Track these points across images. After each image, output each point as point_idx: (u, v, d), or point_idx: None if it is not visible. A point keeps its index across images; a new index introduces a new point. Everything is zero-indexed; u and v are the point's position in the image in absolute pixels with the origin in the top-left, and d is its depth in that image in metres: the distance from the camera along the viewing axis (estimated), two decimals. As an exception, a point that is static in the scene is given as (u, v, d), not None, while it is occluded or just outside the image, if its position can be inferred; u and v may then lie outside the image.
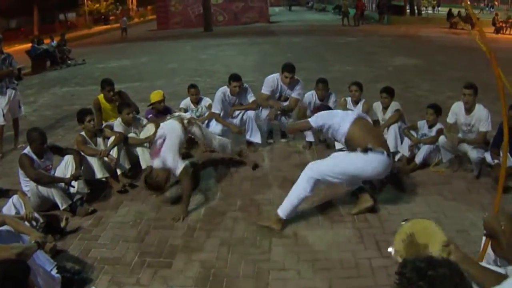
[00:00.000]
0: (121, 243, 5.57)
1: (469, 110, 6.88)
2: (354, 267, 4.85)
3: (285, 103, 8.42)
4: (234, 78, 8.28)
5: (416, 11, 47.66)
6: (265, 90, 8.39)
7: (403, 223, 3.48)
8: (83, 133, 7.14)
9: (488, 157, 6.65)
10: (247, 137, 8.49)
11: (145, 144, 7.49)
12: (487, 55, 3.89)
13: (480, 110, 6.81)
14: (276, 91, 8.39)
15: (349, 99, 8.28)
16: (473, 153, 6.85)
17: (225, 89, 8.38)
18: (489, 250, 3.02)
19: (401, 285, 2.03)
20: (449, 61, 18.29)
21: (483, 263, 3.23)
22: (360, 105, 8.13)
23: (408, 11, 47.68)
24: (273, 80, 8.36)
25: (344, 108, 8.14)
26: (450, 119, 7.15)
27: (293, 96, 8.38)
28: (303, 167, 6.16)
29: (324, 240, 5.41)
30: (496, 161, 6.45)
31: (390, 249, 3.39)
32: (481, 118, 6.75)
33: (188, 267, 4.98)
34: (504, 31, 31.52)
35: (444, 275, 1.95)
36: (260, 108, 8.47)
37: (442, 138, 7.07)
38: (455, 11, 36.63)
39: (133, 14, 67.85)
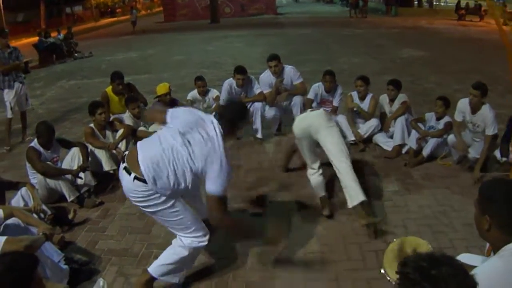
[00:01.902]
0: (128, 234, 5.61)
1: (474, 109, 6.75)
2: (361, 259, 4.86)
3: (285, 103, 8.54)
4: (238, 71, 8.31)
5: (427, 3, 47.24)
6: (265, 89, 8.46)
7: (389, 243, 3.52)
8: (92, 125, 7.16)
9: (497, 154, 6.61)
10: (254, 127, 8.50)
11: None
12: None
13: (485, 111, 6.62)
14: (272, 85, 8.40)
15: (355, 94, 8.26)
16: (472, 153, 6.83)
17: (231, 80, 8.40)
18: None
19: (403, 286, 2.01)
20: (457, 53, 18.17)
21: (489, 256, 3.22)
22: (367, 100, 8.12)
23: (416, 2, 47.38)
24: (265, 78, 8.45)
25: (350, 104, 8.13)
26: (457, 117, 7.05)
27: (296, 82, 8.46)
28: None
29: (330, 232, 5.42)
30: (504, 158, 6.43)
31: (382, 271, 3.41)
32: (486, 121, 6.58)
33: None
34: (512, 23, 31.34)
35: (448, 274, 1.93)
36: (266, 105, 8.47)
37: (451, 138, 7.05)
38: (463, 2, 36.34)
39: (140, 6, 67.70)
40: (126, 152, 4.45)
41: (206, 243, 4.31)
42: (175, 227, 4.28)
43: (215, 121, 4.18)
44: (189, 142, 4.01)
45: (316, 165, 5.90)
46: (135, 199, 4.17)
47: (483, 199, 2.60)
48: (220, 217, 4.08)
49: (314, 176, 5.87)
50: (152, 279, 4.34)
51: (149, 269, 4.33)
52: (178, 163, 3.99)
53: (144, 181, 3.97)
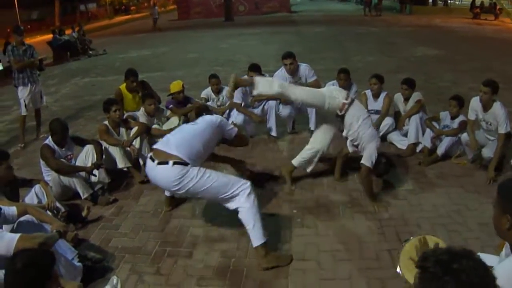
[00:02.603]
0: (141, 232, 5.61)
1: (485, 107, 6.68)
2: (375, 258, 4.83)
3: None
4: (253, 68, 8.27)
5: (442, 1, 46.95)
6: None
7: (404, 244, 3.49)
8: (106, 122, 7.18)
9: None
10: (268, 126, 8.46)
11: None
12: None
13: (497, 109, 6.55)
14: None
15: (369, 93, 8.20)
16: (486, 152, 6.75)
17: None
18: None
19: (425, 280, 1.99)
20: (472, 52, 18.06)
21: (502, 254, 3.20)
22: (381, 99, 8.06)
23: (431, 1, 47.14)
24: (280, 75, 8.33)
25: (365, 103, 8.09)
26: (470, 115, 6.98)
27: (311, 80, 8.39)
28: (324, 157, 6.24)
29: (344, 231, 5.39)
30: None
31: (398, 270, 3.39)
32: (498, 119, 6.52)
33: (208, 257, 5.00)
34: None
35: (469, 267, 1.92)
36: (280, 104, 8.43)
37: (465, 136, 6.98)
38: (478, 1, 36.11)
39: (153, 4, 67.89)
40: (150, 154, 4.93)
41: (249, 184, 4.79)
42: (221, 192, 4.71)
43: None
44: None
45: (321, 148, 6.36)
46: (175, 185, 4.64)
47: (503, 199, 2.59)
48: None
49: (310, 151, 6.40)
50: (265, 246, 4.72)
51: (254, 243, 4.71)
52: (200, 135, 5.00)
53: (182, 162, 4.59)
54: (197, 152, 4.83)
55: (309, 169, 6.58)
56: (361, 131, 5.80)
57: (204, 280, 4.62)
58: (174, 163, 4.56)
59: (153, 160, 4.75)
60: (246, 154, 7.84)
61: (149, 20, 40.99)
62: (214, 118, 5.49)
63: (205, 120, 5.35)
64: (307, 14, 44.01)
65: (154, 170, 4.75)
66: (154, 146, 5.02)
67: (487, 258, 2.80)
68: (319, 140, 6.35)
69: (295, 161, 6.51)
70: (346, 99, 5.78)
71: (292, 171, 6.59)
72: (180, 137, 4.96)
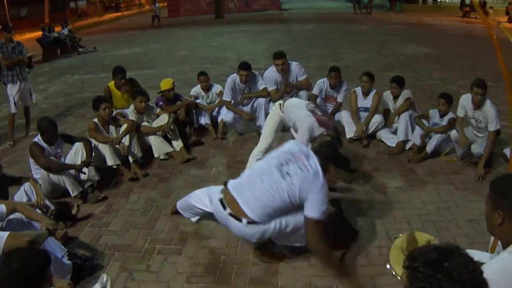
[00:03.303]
0: (131, 230, 5.60)
1: (476, 105, 6.74)
2: (365, 255, 4.84)
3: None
4: (243, 67, 8.23)
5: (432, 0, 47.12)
6: (270, 86, 8.38)
7: (395, 237, 3.51)
8: (96, 120, 7.16)
9: (507, 151, 6.55)
10: (258, 124, 8.47)
11: (158, 133, 7.53)
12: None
13: (487, 107, 6.62)
14: (277, 82, 8.35)
15: (359, 90, 8.22)
16: (475, 148, 6.80)
17: (235, 76, 8.36)
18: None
19: (415, 280, 1.98)
20: (462, 50, 18.15)
21: (495, 254, 3.22)
22: (370, 97, 8.08)
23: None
24: (270, 74, 8.35)
25: (354, 101, 8.11)
26: (460, 113, 7.03)
27: (301, 79, 8.39)
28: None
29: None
30: None
31: (388, 266, 3.42)
32: (488, 116, 6.58)
33: (198, 254, 5.00)
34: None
35: (460, 264, 1.92)
36: (270, 101, 8.43)
37: (454, 133, 7.02)
38: (468, -1, 36.30)
39: (145, 2, 67.65)
40: (221, 196, 4.49)
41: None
42: (299, 233, 4.39)
43: (313, 156, 4.30)
44: (288, 174, 4.18)
45: (265, 148, 6.55)
46: (252, 239, 4.43)
47: (496, 195, 2.61)
48: (316, 239, 4.16)
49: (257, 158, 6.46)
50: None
51: None
52: (280, 195, 4.15)
53: (257, 222, 4.19)
54: (273, 213, 4.23)
55: None
56: None
57: (194, 277, 4.62)
58: (248, 222, 4.20)
59: (224, 207, 4.36)
60: (236, 151, 7.86)
61: (140, 17, 40.93)
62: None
63: (296, 173, 4.20)
64: (297, 12, 44.04)
65: (225, 218, 4.37)
66: (228, 186, 4.47)
67: (476, 254, 2.83)
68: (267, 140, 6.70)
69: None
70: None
71: None
72: (257, 191, 4.24)
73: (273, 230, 4.27)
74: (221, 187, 4.61)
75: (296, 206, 4.24)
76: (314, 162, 4.20)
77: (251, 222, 4.18)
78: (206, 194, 5.00)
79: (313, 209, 4.10)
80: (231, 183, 4.50)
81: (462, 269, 1.91)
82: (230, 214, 4.29)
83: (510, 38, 4.04)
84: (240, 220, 4.22)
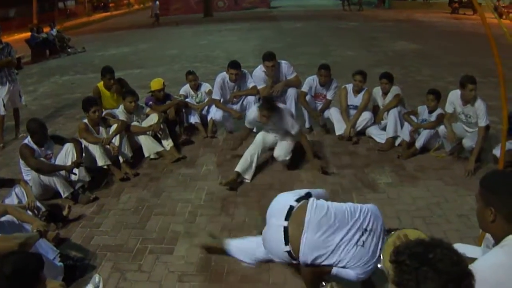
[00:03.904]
0: (123, 230, 5.62)
1: (467, 101, 6.77)
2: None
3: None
4: (232, 65, 8.25)
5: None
6: (259, 84, 8.42)
7: (387, 236, 3.53)
8: (86, 120, 7.15)
9: (497, 152, 6.55)
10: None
11: (147, 132, 7.54)
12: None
13: (478, 102, 6.65)
14: (266, 81, 8.38)
15: (349, 88, 8.24)
16: (467, 142, 6.85)
17: (224, 75, 8.37)
18: (488, 235, 3.04)
19: (402, 273, 2.01)
20: (450, 46, 18.19)
21: (482, 246, 3.26)
22: (361, 95, 8.10)
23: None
24: (259, 73, 8.41)
25: (344, 97, 8.13)
26: (448, 108, 7.07)
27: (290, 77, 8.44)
28: (303, 152, 6.28)
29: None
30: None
31: (380, 266, 3.44)
32: (479, 112, 6.61)
33: (189, 253, 5.02)
34: (506, 16, 31.24)
35: (444, 255, 1.95)
36: (259, 99, 8.44)
37: (443, 129, 7.05)
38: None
39: (133, 1, 67.36)
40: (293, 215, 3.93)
41: None
42: None
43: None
44: (363, 243, 3.69)
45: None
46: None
47: (487, 192, 2.63)
48: (308, 276, 3.96)
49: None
50: None
51: None
52: (334, 257, 3.74)
53: (293, 257, 3.88)
54: None
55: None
56: None
57: (186, 276, 4.65)
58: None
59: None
60: (226, 150, 7.87)
61: (129, 17, 40.72)
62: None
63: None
64: (287, 10, 44.01)
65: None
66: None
67: (466, 249, 2.86)
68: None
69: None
70: None
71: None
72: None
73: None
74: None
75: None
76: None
77: (290, 253, 3.86)
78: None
79: (339, 270, 3.74)
80: (316, 217, 3.84)
81: (447, 261, 1.94)
82: (284, 233, 3.87)
83: (507, 34, 4.08)
84: (286, 243, 3.85)
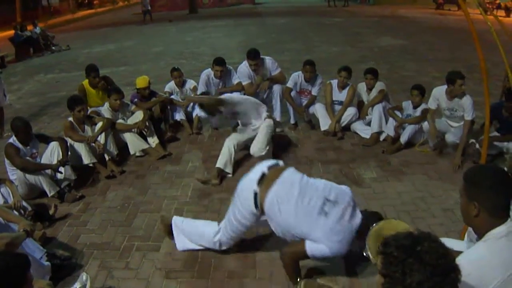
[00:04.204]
0: (109, 227, 5.61)
1: (452, 96, 6.84)
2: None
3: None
4: (217, 62, 8.30)
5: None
6: (244, 80, 8.45)
7: (371, 227, 3.57)
8: (71, 119, 7.13)
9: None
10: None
11: (133, 130, 7.53)
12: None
13: (465, 98, 6.72)
14: (251, 77, 8.43)
15: (334, 83, 8.26)
16: (449, 137, 6.95)
17: (209, 71, 8.41)
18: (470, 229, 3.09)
19: (388, 265, 2.05)
20: (435, 42, 18.30)
21: (465, 240, 3.30)
22: (346, 90, 8.13)
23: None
24: (244, 69, 8.44)
25: (329, 93, 8.16)
26: (431, 104, 7.12)
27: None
28: (288, 148, 6.31)
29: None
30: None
31: (366, 253, 3.48)
32: (464, 106, 6.69)
33: (176, 250, 5.02)
34: (491, 12, 31.45)
35: (431, 248, 1.99)
36: (244, 95, 8.45)
37: (427, 124, 7.12)
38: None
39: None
40: (268, 167, 4.32)
41: None
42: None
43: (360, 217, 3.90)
44: (326, 213, 3.83)
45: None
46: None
47: (470, 186, 2.66)
48: (286, 259, 4.12)
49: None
50: None
51: None
52: (297, 220, 3.91)
53: (256, 205, 4.12)
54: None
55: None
56: None
57: (173, 273, 4.66)
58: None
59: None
60: (212, 146, 7.88)
61: (114, 14, 40.46)
62: None
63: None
64: (271, 6, 44.04)
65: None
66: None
67: (451, 243, 2.90)
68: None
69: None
70: None
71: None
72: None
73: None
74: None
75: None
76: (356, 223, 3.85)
77: (256, 199, 4.12)
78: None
79: (311, 246, 3.84)
80: (283, 177, 4.17)
81: (433, 253, 1.98)
82: (259, 180, 4.17)
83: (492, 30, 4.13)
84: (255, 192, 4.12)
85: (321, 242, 3.78)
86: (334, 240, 3.75)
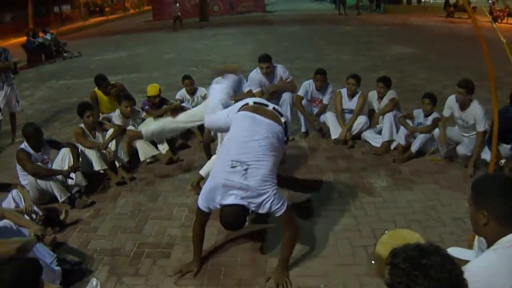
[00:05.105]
0: (119, 234, 5.63)
1: (463, 106, 6.80)
2: (351, 254, 4.90)
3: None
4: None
5: (416, 0, 47.19)
6: (254, 88, 8.41)
7: (382, 234, 3.57)
8: (82, 125, 7.17)
9: (486, 156, 6.54)
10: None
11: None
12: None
13: (475, 108, 6.68)
14: (262, 84, 8.41)
15: (344, 92, 8.27)
16: (461, 149, 6.90)
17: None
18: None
19: (394, 276, 2.04)
20: (446, 50, 18.23)
21: (475, 249, 3.28)
22: (355, 98, 8.14)
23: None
24: (255, 76, 8.42)
25: (339, 101, 8.17)
26: (445, 112, 7.09)
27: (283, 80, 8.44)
28: (299, 156, 6.28)
29: (320, 228, 5.46)
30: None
31: (373, 262, 3.48)
32: (476, 117, 6.64)
33: (186, 256, 5.02)
34: (501, 20, 31.35)
35: (437, 262, 1.98)
36: None
37: (437, 132, 7.09)
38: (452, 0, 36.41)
39: (129, 5, 67.34)
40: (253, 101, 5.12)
41: None
42: None
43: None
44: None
45: None
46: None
47: (478, 195, 2.66)
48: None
49: None
50: None
51: None
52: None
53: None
54: None
55: None
56: None
57: (183, 280, 4.66)
58: None
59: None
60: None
61: (125, 21, 40.59)
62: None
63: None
64: (282, 14, 43.99)
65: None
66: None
67: (461, 252, 2.89)
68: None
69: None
70: None
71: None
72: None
73: None
74: None
75: None
76: None
77: None
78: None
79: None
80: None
81: (439, 268, 1.97)
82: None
83: (502, 37, 4.11)
84: None
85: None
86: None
